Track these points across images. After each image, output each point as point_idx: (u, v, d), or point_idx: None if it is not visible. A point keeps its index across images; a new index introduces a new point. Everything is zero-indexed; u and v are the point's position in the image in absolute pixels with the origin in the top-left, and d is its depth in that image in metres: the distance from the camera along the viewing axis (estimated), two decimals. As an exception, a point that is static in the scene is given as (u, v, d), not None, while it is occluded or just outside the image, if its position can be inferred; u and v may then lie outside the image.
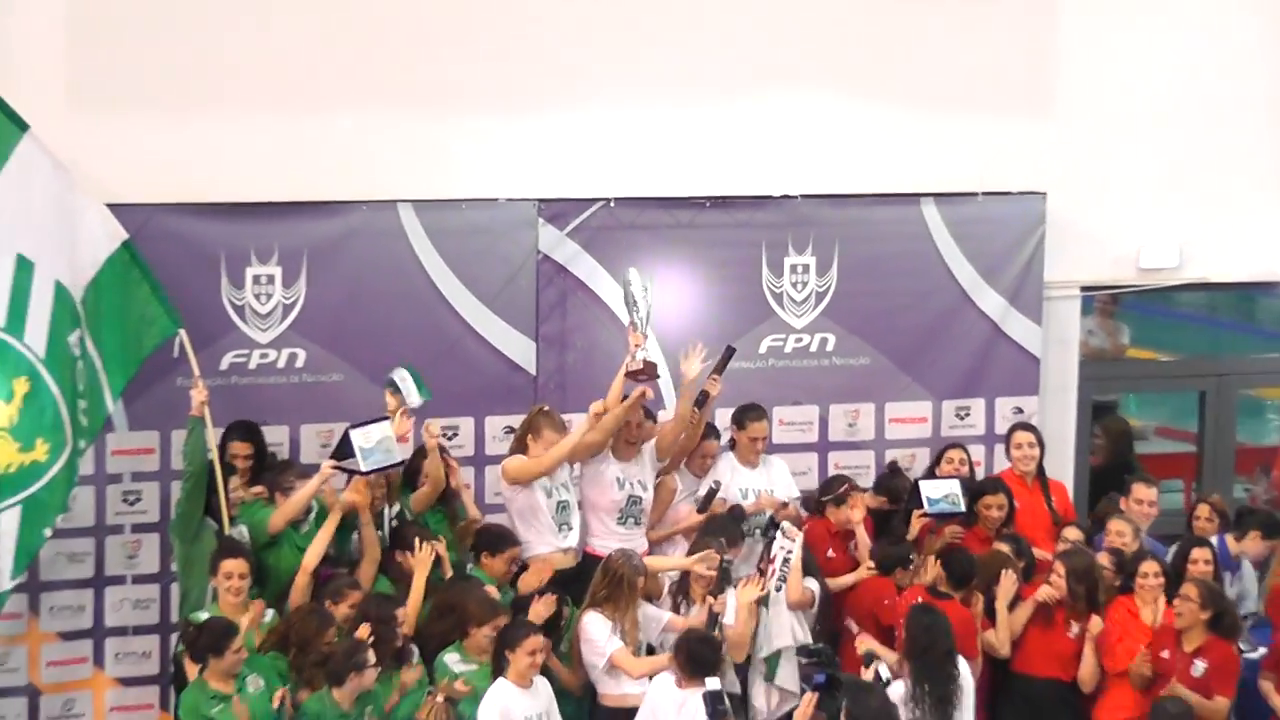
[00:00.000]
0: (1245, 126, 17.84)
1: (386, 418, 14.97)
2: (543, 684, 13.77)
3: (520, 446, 15.30)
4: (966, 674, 13.85)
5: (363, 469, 14.56)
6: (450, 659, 13.93)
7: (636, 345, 15.19)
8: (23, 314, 13.92)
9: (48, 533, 14.20)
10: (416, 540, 14.69)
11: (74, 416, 14.07)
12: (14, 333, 13.87)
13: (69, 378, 14.00)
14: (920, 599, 14.79)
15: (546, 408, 15.56)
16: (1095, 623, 14.75)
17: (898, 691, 13.58)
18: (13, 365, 13.87)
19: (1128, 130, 17.62)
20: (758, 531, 15.72)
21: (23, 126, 14.24)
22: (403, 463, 15.06)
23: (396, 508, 15.29)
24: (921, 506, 15.75)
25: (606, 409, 15.34)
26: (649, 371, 15.22)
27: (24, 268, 13.93)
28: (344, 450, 14.69)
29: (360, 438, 14.58)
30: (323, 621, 13.83)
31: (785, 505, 15.94)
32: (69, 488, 14.22)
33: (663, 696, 13.62)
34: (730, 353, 15.85)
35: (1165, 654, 14.65)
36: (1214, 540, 16.15)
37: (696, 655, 13.60)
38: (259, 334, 15.71)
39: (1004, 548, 15.34)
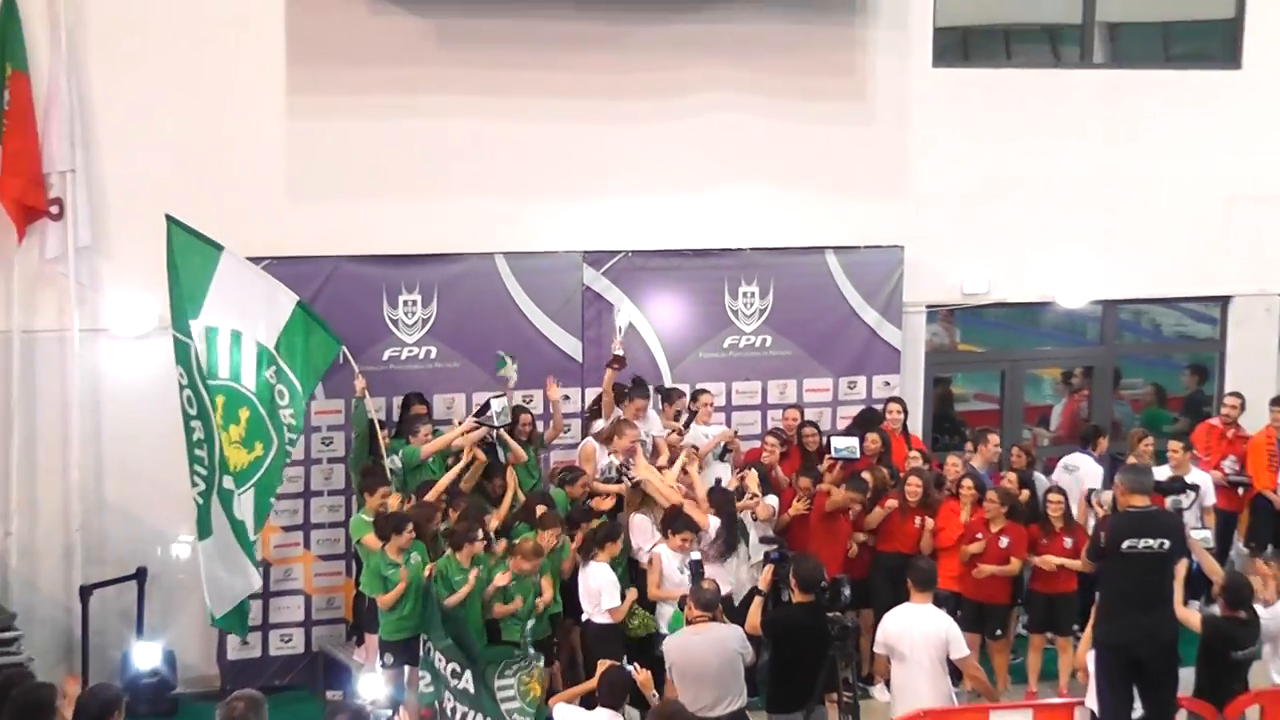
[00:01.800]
0: (1028, 203, 18.10)
1: (504, 395, 15.40)
2: None
3: (606, 439, 15.52)
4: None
5: (495, 424, 15.12)
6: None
7: (615, 345, 15.92)
8: (238, 367, 14.57)
9: (273, 501, 14.89)
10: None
11: (276, 423, 14.69)
12: (234, 380, 14.53)
13: (270, 398, 14.63)
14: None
15: (623, 416, 15.69)
16: (929, 523, 15.45)
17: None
18: (239, 401, 14.54)
19: (955, 206, 17.81)
20: (712, 456, 16.09)
21: (219, 247, 14.49)
22: (510, 423, 15.38)
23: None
24: (830, 453, 16.03)
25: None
26: (620, 362, 15.87)
27: (236, 338, 14.55)
28: (483, 412, 15.21)
29: (497, 405, 15.14)
30: (430, 513, 14.41)
31: (735, 434, 16.52)
32: (281, 469, 14.84)
33: (668, 558, 14.22)
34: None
35: (979, 536, 15.20)
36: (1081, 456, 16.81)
37: (669, 523, 14.30)
38: (407, 337, 16.04)
39: (884, 470, 15.77)
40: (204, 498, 14.55)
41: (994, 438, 16.79)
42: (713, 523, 14.60)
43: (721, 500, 14.86)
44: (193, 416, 14.49)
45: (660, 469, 15.30)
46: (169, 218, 14.34)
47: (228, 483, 14.43)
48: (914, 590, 12.68)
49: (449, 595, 13.76)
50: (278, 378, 14.76)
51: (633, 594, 14.26)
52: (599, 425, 15.93)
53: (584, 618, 14.16)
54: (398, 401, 15.99)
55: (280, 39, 15.60)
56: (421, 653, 13.99)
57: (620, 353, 16.04)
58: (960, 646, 12.50)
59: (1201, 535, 14.31)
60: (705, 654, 11.94)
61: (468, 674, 13.93)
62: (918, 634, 12.43)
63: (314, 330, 14.94)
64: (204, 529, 14.60)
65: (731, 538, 14.62)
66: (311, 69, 15.71)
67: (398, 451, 15.30)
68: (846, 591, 12.24)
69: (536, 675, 14.04)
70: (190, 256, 14.47)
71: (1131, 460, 15.81)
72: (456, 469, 14.98)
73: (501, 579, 14.01)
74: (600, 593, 13.91)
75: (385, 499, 14.55)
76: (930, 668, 12.41)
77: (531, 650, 14.10)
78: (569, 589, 14.87)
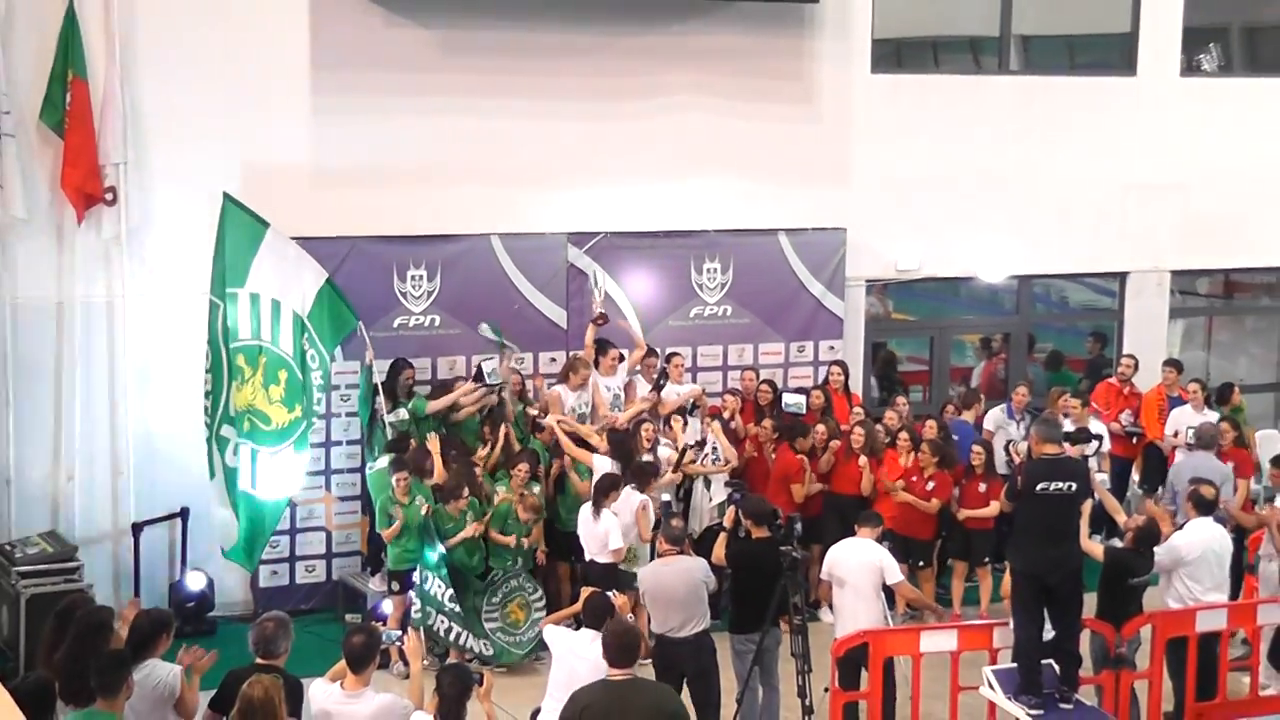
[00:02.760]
0: (954, 191, 18.11)
1: (493, 356, 15.61)
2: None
3: (563, 378, 15.79)
4: None
5: (488, 384, 15.33)
6: (500, 488, 14.66)
7: (596, 305, 16.08)
8: (278, 333, 14.60)
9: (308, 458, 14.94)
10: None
11: (308, 388, 14.66)
12: (275, 344, 14.56)
13: (304, 364, 14.61)
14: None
15: (580, 354, 15.93)
16: (864, 460, 15.61)
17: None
18: (278, 364, 14.60)
19: (891, 194, 17.81)
20: (682, 410, 16.02)
21: (265, 224, 14.58)
22: (502, 384, 15.56)
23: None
24: (781, 407, 16.22)
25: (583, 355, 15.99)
26: (602, 319, 16.05)
27: (275, 306, 14.59)
28: (479, 376, 15.39)
29: (485, 365, 15.37)
30: (429, 459, 14.50)
31: (702, 391, 16.47)
32: (309, 433, 14.87)
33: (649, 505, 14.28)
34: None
35: (914, 478, 15.36)
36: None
37: (635, 476, 14.28)
38: (415, 307, 16.02)
39: (830, 422, 15.89)
40: (208, 443, 14.77)
41: (983, 396, 17.05)
42: (607, 463, 14.69)
43: (618, 441, 14.92)
44: (207, 370, 14.69)
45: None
46: (225, 195, 14.51)
47: (226, 431, 14.54)
48: (859, 526, 12.88)
49: (444, 539, 14.06)
50: (310, 344, 14.76)
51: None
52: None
53: (587, 558, 14.11)
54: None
55: (305, 47, 15.62)
56: (417, 580, 14.10)
57: (602, 310, 16.15)
58: (894, 573, 12.64)
59: (1100, 478, 14.48)
60: (674, 582, 11.95)
61: (427, 611, 14.12)
62: (855, 563, 12.58)
63: (337, 305, 14.90)
64: (211, 470, 14.83)
65: (627, 474, 14.55)
66: (333, 73, 15.70)
67: (407, 406, 15.36)
68: (798, 528, 12.31)
69: (518, 602, 14.25)
70: (240, 230, 14.56)
71: (1048, 414, 15.91)
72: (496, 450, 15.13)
73: (473, 529, 14.25)
74: (608, 534, 13.88)
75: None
76: (868, 593, 12.54)
77: (523, 581, 14.32)
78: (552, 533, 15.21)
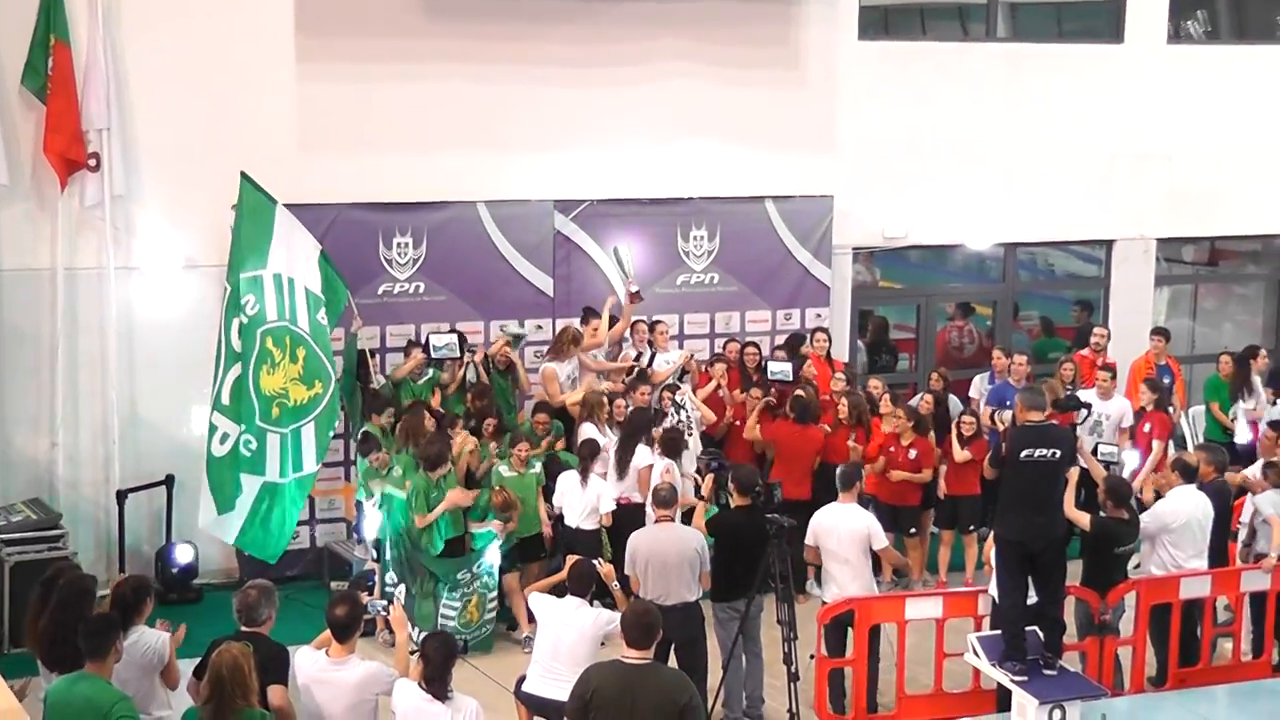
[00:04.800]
0: (941, 159, 18.13)
1: (455, 330, 15.61)
2: None
3: (556, 355, 15.73)
4: None
5: (432, 356, 15.28)
6: (501, 467, 14.34)
7: (631, 283, 16.11)
8: (294, 310, 14.35)
9: (331, 434, 14.57)
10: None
11: (331, 361, 14.46)
12: (292, 322, 14.28)
13: (324, 338, 14.41)
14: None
15: (573, 328, 15.86)
16: (853, 441, 15.42)
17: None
18: (296, 341, 14.28)
19: (878, 161, 17.81)
20: (672, 379, 16.08)
21: (274, 201, 14.40)
22: (460, 357, 15.44)
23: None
24: (768, 375, 16.14)
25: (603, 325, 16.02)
26: (639, 296, 16.14)
27: (290, 284, 14.36)
28: (426, 347, 15.34)
29: (435, 339, 15.33)
30: (422, 422, 14.39)
31: (691, 357, 16.46)
32: (337, 406, 14.62)
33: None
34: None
35: (893, 448, 15.27)
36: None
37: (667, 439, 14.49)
38: (400, 274, 16.01)
39: (813, 391, 15.69)
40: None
41: (1020, 358, 16.70)
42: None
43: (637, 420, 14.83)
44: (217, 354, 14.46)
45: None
46: (243, 174, 14.35)
47: (215, 418, 14.27)
48: (840, 491, 12.78)
49: (423, 512, 13.73)
50: (326, 319, 14.62)
51: None
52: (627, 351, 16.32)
53: (574, 526, 14.07)
54: (391, 330, 16.06)
55: (290, 11, 15.56)
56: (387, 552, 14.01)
57: (638, 288, 16.29)
58: (880, 539, 12.61)
59: (1108, 450, 14.47)
60: (667, 549, 11.92)
61: (402, 587, 13.75)
62: (844, 530, 12.52)
63: (331, 277, 14.80)
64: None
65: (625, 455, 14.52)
66: (318, 39, 15.64)
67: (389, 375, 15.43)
68: (778, 495, 12.31)
69: (475, 601, 13.82)
70: (256, 210, 14.40)
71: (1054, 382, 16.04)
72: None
73: (457, 495, 13.99)
74: (599, 499, 13.91)
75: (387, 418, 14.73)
76: (855, 559, 12.51)
77: (487, 582, 13.91)
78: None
